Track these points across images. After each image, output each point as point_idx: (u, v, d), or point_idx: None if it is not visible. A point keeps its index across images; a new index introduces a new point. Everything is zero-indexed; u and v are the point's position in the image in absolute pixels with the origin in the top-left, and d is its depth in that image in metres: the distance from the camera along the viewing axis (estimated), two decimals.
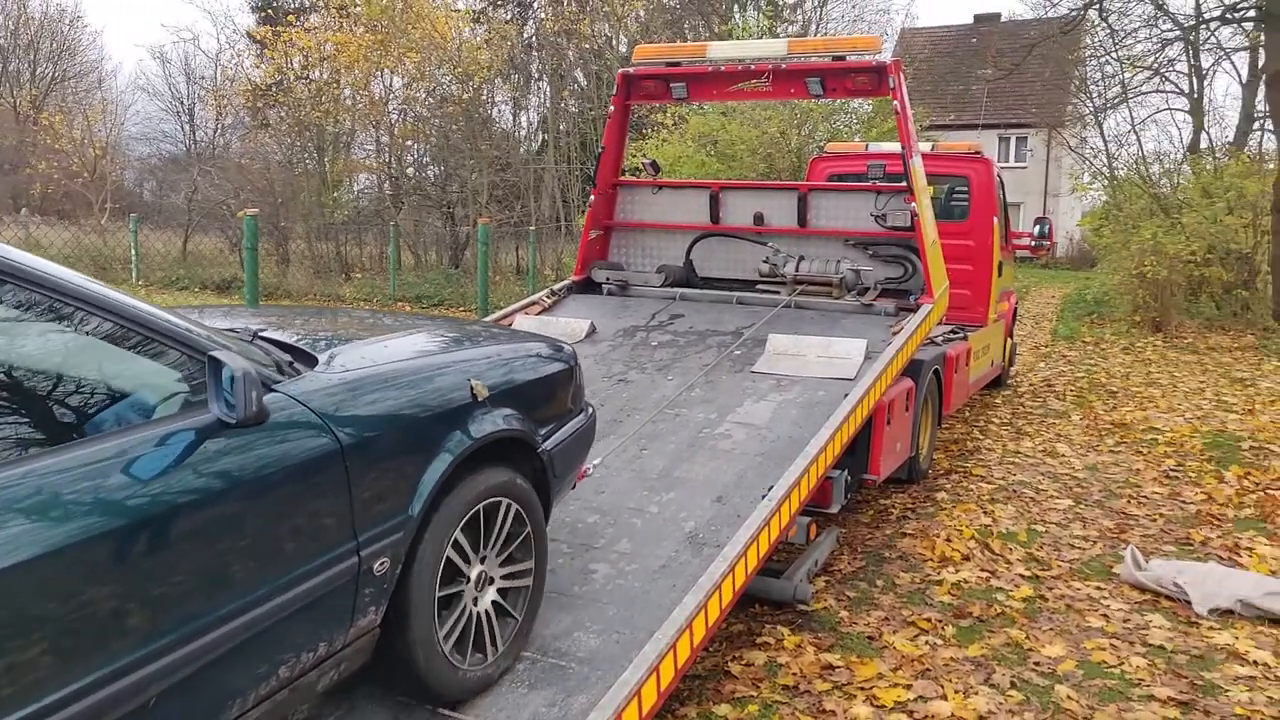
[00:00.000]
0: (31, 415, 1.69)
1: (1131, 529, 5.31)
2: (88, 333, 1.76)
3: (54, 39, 34.65)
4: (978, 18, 37.22)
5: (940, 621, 4.06)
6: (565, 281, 6.46)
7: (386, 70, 20.58)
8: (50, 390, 1.74)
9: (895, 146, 6.11)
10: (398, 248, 18.99)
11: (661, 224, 6.47)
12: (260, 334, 2.42)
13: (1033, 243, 10.19)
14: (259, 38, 22.55)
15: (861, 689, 3.47)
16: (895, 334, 5.13)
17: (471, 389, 2.53)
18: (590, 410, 3.31)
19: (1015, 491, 6.00)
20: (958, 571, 4.61)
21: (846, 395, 4.48)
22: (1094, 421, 8.05)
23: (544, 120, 23.79)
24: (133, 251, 18.56)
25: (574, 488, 3.37)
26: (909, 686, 3.48)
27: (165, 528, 1.72)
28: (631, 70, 6.07)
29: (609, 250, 6.61)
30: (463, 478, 2.48)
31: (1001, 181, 8.25)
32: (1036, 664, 3.70)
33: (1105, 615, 4.16)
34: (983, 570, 4.65)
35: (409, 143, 22.03)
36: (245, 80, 22.75)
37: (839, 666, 3.62)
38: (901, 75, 5.33)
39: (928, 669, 3.63)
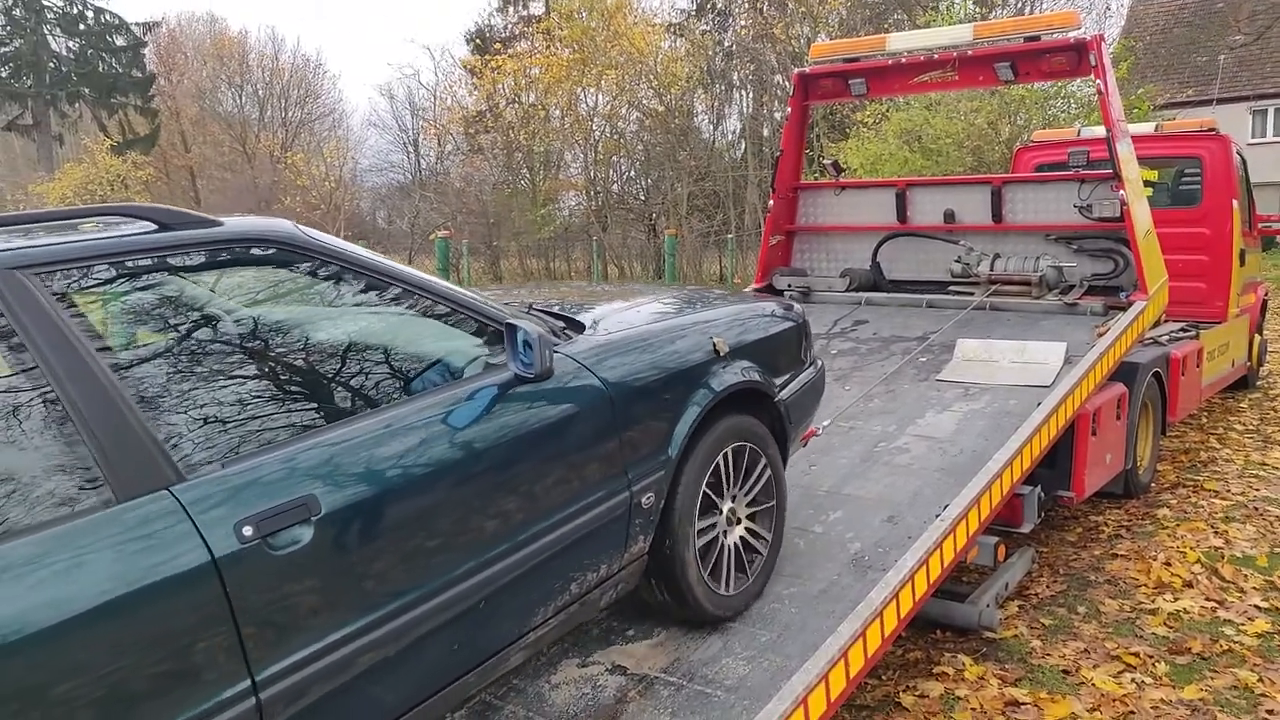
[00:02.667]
0: (374, 378, 2.13)
1: None
2: (415, 310, 2.21)
3: (301, 86, 38.46)
4: None
5: (1152, 657, 3.63)
6: (746, 289, 6.36)
7: (590, 89, 21.26)
8: (387, 358, 2.19)
9: None
10: (603, 260, 19.54)
11: (845, 226, 6.25)
12: (534, 306, 2.79)
13: None
14: (470, 67, 23.96)
15: None
16: (1101, 335, 4.67)
17: (714, 345, 2.84)
18: (820, 364, 3.52)
19: (1257, 509, 5.28)
20: (1177, 600, 4.11)
21: (1040, 404, 4.12)
22: None
23: (744, 128, 23.73)
24: None
25: (804, 445, 3.55)
26: None
27: (484, 464, 2.11)
28: (808, 69, 5.91)
29: (791, 256, 6.46)
30: (711, 424, 2.78)
31: (1244, 160, 7.34)
32: (1270, 712, 3.23)
33: None
34: (1208, 599, 4.12)
35: (612, 158, 22.63)
36: (458, 108, 24.25)
37: (1026, 703, 3.31)
38: (1104, 51, 4.86)
39: (1132, 711, 3.25)
